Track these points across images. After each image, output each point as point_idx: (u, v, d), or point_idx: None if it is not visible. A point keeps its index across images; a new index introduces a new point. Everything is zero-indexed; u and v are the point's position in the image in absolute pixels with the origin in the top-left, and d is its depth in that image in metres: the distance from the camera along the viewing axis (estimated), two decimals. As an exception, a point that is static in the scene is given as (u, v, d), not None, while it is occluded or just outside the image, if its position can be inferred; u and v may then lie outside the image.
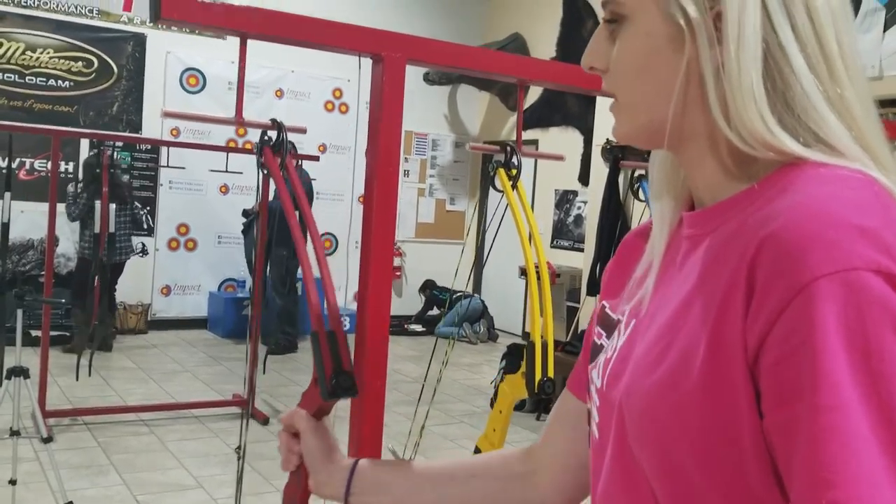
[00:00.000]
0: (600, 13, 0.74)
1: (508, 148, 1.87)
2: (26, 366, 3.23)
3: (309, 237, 1.48)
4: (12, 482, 3.10)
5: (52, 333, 5.32)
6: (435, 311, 9.09)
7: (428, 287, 9.22)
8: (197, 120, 1.49)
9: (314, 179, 7.53)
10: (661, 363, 0.65)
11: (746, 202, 0.65)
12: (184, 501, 3.83)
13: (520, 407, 5.65)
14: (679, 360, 0.63)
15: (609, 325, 0.81)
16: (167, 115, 1.62)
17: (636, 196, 2.07)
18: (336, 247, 8.96)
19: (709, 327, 0.61)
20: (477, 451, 2.03)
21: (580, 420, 0.88)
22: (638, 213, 5.42)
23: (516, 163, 1.86)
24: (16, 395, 3.06)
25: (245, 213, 7.64)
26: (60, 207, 6.49)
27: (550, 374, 1.81)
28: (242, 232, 7.77)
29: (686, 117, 0.68)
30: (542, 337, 1.82)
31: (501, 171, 1.86)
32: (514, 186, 1.85)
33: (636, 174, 2.10)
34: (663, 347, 0.66)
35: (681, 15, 0.66)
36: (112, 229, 6.28)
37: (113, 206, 6.10)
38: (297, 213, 1.53)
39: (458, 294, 9.01)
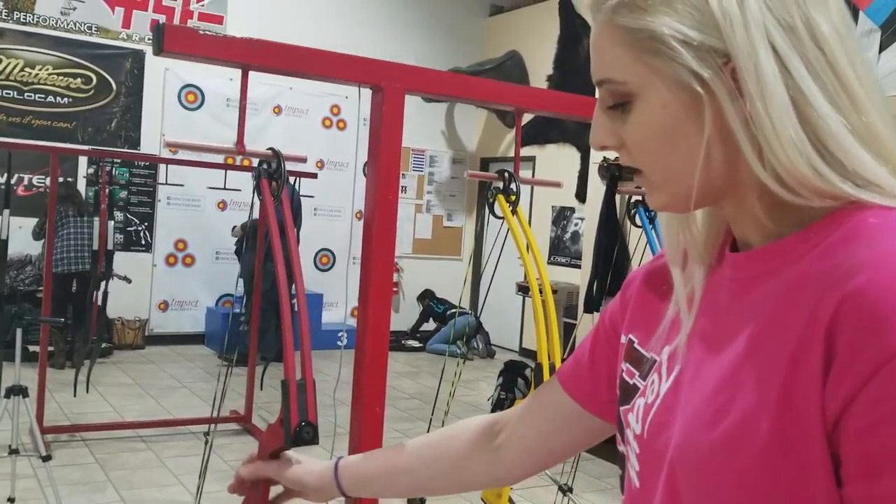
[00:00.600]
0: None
1: (507, 174, 1.90)
2: (25, 384, 3.24)
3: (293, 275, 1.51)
4: (10, 500, 3.10)
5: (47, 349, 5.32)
6: (431, 324, 9.10)
7: (426, 297, 9.22)
8: (199, 150, 1.51)
9: (311, 196, 7.56)
10: (721, 421, 0.62)
11: (803, 247, 0.63)
12: (181, 519, 3.83)
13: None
14: (743, 420, 0.61)
15: (641, 364, 0.78)
16: (169, 145, 1.62)
17: (633, 222, 2.09)
18: (334, 263, 8.99)
19: (777, 387, 0.59)
20: None
21: (559, 413, 0.91)
22: (636, 232, 5.46)
23: (515, 189, 1.89)
24: (14, 414, 3.07)
25: (233, 232, 7.70)
26: (59, 224, 6.54)
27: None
28: (236, 253, 7.80)
29: (722, 174, 0.66)
30: (548, 358, 1.84)
31: (501, 197, 1.89)
32: (513, 212, 1.87)
33: (632, 200, 2.13)
34: (722, 403, 0.63)
35: (695, 80, 0.64)
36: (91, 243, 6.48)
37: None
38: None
39: (454, 310, 9.03)
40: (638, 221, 2.11)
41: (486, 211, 1.95)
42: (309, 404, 1.39)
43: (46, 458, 3.13)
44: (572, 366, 0.92)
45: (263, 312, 7.37)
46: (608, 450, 3.65)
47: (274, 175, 1.63)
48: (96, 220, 6.86)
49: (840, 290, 0.57)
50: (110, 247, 5.04)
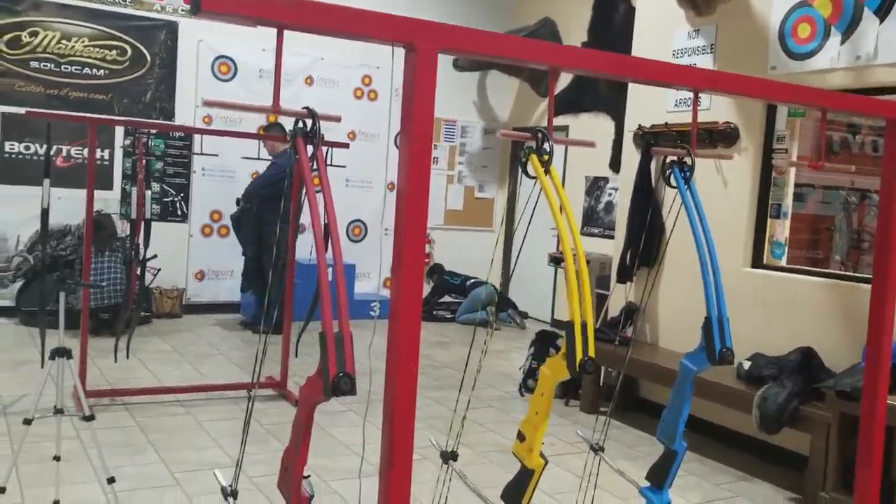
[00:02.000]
0: None
1: (539, 134, 1.89)
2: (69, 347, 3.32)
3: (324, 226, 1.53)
4: (56, 458, 3.19)
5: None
6: (446, 299, 9.12)
7: (435, 272, 9.21)
8: (235, 108, 1.54)
9: (343, 167, 7.58)
10: None
11: None
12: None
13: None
14: None
15: None
16: (207, 103, 1.66)
17: (668, 182, 2.08)
18: (365, 234, 9.03)
19: None
20: (520, 435, 2.06)
21: None
22: (667, 199, 5.41)
23: (548, 148, 1.88)
24: (59, 376, 3.15)
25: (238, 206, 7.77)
26: (99, 193, 6.63)
27: (591, 353, 1.83)
28: (234, 226, 7.86)
29: None
30: (581, 317, 1.84)
31: (534, 156, 1.88)
32: (546, 171, 1.87)
33: (668, 160, 2.11)
34: None
35: None
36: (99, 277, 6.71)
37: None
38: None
39: (473, 280, 9.06)
40: (673, 182, 2.09)
41: (519, 181, 1.95)
42: (346, 356, 1.41)
43: (90, 418, 3.21)
44: None
45: (263, 281, 7.50)
46: (640, 418, 3.69)
47: (310, 135, 1.65)
48: (119, 254, 7.05)
49: None
50: (148, 216, 5.12)
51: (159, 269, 7.20)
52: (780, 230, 5.18)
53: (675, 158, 2.08)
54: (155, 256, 5.15)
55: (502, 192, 9.93)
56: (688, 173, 2.06)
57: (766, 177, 5.10)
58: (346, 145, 5.71)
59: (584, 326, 1.87)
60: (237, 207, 7.70)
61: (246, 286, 7.85)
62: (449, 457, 2.21)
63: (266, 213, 7.35)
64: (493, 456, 4.58)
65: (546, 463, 2.06)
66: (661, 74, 1.91)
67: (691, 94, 2.07)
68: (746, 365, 4.61)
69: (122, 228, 7.39)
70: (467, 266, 9.31)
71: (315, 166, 1.72)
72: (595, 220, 8.34)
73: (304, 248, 7.25)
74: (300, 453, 1.54)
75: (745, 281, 4.94)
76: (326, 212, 1.60)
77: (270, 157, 7.51)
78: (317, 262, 1.53)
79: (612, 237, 6.72)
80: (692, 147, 2.06)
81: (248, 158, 7.74)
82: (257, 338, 7.32)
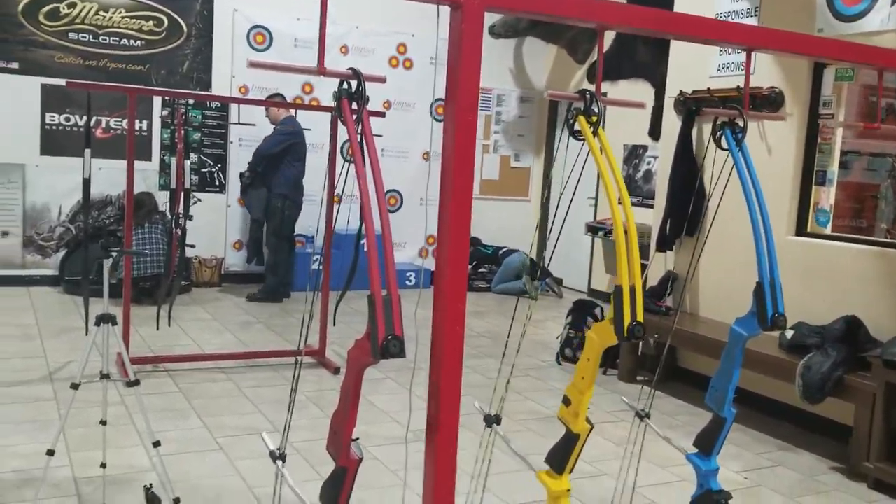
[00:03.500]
0: None
1: (588, 94, 1.85)
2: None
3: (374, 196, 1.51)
4: (103, 423, 3.25)
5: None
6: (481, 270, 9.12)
7: (470, 243, 9.23)
8: (280, 69, 1.52)
9: (380, 136, 7.57)
10: None
11: None
12: (261, 444, 3.96)
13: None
14: None
15: None
16: (252, 64, 1.64)
17: (718, 144, 2.02)
18: (401, 204, 9.02)
19: None
20: (566, 400, 2.05)
21: None
22: (709, 165, 5.32)
23: (596, 109, 1.84)
24: (104, 342, 3.19)
25: (243, 179, 7.80)
26: (139, 164, 6.70)
27: (640, 318, 1.81)
28: (242, 194, 7.92)
29: None
30: (629, 282, 1.81)
31: (582, 118, 1.85)
32: (594, 133, 1.83)
33: (719, 122, 2.06)
34: None
35: None
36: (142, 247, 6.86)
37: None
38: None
39: (505, 249, 9.03)
40: (724, 144, 2.04)
41: (555, 150, 1.92)
42: (395, 319, 1.40)
43: (135, 384, 3.26)
44: None
45: (275, 249, 7.57)
46: (679, 387, 3.66)
47: (355, 95, 1.63)
48: (158, 226, 7.15)
49: None
50: (187, 185, 5.15)
51: (193, 245, 7.29)
52: (825, 197, 5.07)
53: (726, 119, 2.02)
54: (191, 218, 5.18)
55: (538, 160, 9.85)
56: (740, 135, 2.01)
57: (811, 143, 4.99)
58: (381, 114, 5.67)
59: (632, 291, 1.84)
60: (241, 181, 7.78)
61: (251, 255, 7.99)
62: (493, 420, 2.20)
63: (272, 178, 7.44)
64: (532, 424, 4.58)
65: (592, 427, 2.05)
66: (713, 32, 1.86)
67: (734, 59, 2.01)
68: (789, 334, 4.55)
69: (163, 202, 7.50)
70: (504, 236, 9.28)
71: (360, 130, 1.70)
72: (633, 188, 8.24)
73: (341, 217, 7.27)
74: (349, 416, 1.55)
75: (789, 249, 4.85)
76: (373, 173, 1.58)
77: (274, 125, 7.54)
78: (364, 228, 1.51)
79: (651, 206, 6.63)
80: (744, 108, 2.01)
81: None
82: (295, 307, 7.38)
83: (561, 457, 2.07)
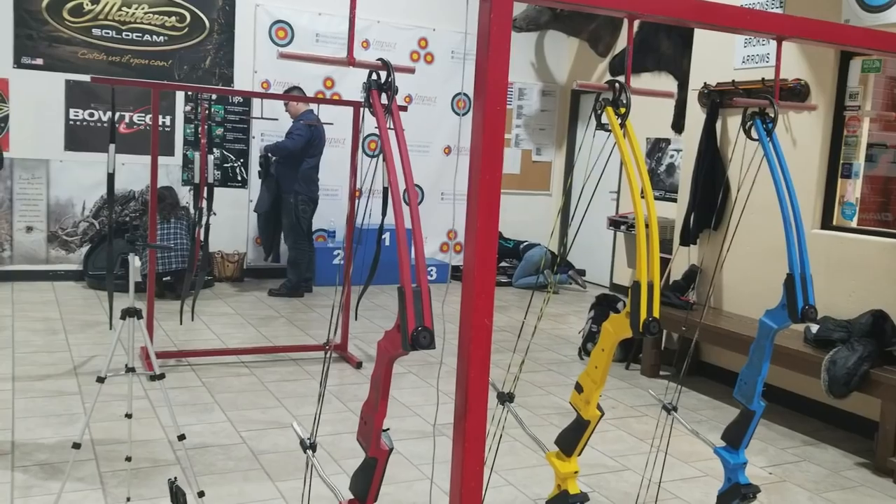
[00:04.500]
0: None
1: (617, 85, 1.83)
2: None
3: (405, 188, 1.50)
4: (128, 416, 3.28)
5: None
6: (503, 264, 9.10)
7: None
8: (310, 60, 1.52)
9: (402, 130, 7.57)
10: None
11: None
12: (285, 438, 3.99)
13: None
14: None
15: None
16: (283, 55, 1.64)
17: (748, 135, 2.00)
18: (422, 199, 9.02)
19: None
20: (578, 387, 2.04)
21: None
22: (735, 158, 5.27)
23: (625, 101, 1.83)
24: (129, 335, 3.21)
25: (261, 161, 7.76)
26: (162, 159, 6.76)
27: (656, 313, 1.79)
28: (260, 176, 7.82)
29: None
30: (647, 277, 1.80)
31: (609, 109, 1.83)
32: (622, 125, 1.82)
33: (749, 112, 2.03)
34: None
35: None
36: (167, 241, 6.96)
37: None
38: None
39: (526, 243, 9.01)
40: (754, 134, 2.01)
41: (577, 144, 1.91)
42: (425, 310, 1.40)
43: (160, 377, 3.28)
44: None
45: (294, 246, 7.57)
46: (702, 382, 3.64)
47: (384, 86, 1.62)
48: (182, 222, 7.20)
49: None
50: (211, 180, 5.17)
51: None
52: (852, 190, 5.01)
53: (756, 110, 2.00)
54: (215, 213, 5.20)
55: (560, 154, 9.81)
56: (770, 125, 1.98)
57: (837, 135, 4.93)
58: (403, 108, 5.67)
59: (650, 286, 1.83)
60: (262, 164, 7.69)
61: (266, 251, 7.98)
62: (505, 398, 2.20)
63: (284, 173, 7.42)
64: (554, 418, 4.56)
65: (602, 415, 2.05)
66: (743, 21, 1.83)
67: (759, 51, 1.99)
68: (815, 328, 4.50)
69: (186, 197, 7.53)
70: (525, 230, 9.25)
71: (390, 124, 1.70)
72: (656, 182, 8.19)
73: (363, 212, 7.28)
74: (379, 406, 1.54)
75: (815, 243, 4.79)
76: (402, 164, 1.58)
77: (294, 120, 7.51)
78: (394, 219, 1.51)
79: (674, 200, 6.59)
80: (775, 97, 1.98)
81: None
82: (317, 301, 7.40)
83: (571, 440, 2.07)
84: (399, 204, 1.49)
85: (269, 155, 7.56)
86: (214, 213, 5.20)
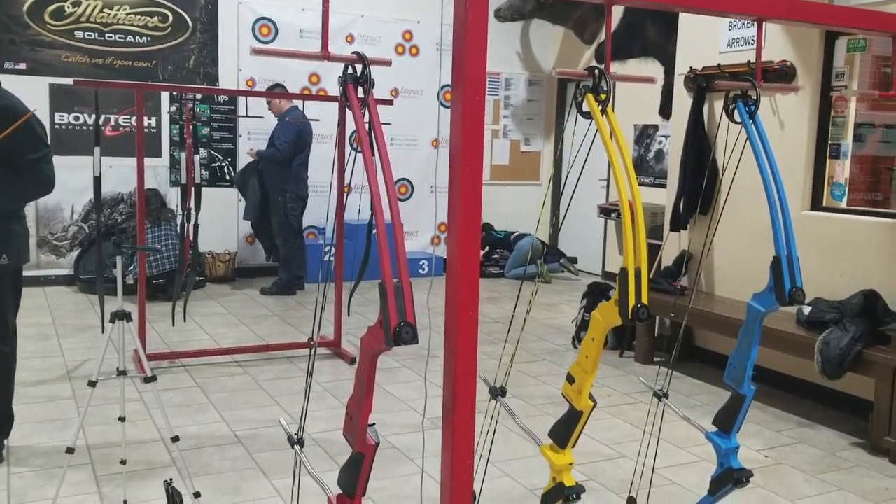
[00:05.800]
0: None
1: (597, 71, 1.82)
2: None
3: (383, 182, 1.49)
4: (121, 419, 3.26)
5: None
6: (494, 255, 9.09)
7: (482, 229, 9.16)
8: (283, 55, 1.51)
9: (389, 124, 7.54)
10: None
11: None
12: (280, 436, 3.98)
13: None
14: None
15: None
16: (256, 51, 1.63)
17: (731, 118, 1.99)
18: (412, 192, 9.00)
19: None
20: (570, 378, 2.04)
21: None
22: (721, 142, 5.26)
23: (605, 87, 1.82)
24: (120, 338, 3.20)
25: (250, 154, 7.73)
26: (149, 161, 6.72)
27: (644, 300, 1.78)
28: (239, 186, 7.83)
29: None
30: (635, 264, 1.79)
31: (590, 96, 1.82)
32: (603, 112, 1.80)
33: (731, 94, 2.02)
34: None
35: None
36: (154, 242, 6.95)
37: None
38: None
39: (516, 233, 9.00)
40: (737, 117, 2.00)
41: (564, 133, 1.90)
42: (407, 305, 1.39)
43: (152, 379, 3.26)
44: None
45: (285, 244, 7.55)
46: (696, 367, 3.64)
47: (360, 80, 1.61)
48: (172, 224, 7.18)
49: None
50: (198, 180, 5.14)
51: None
52: (840, 171, 5.01)
53: (738, 92, 1.99)
54: (195, 212, 5.17)
55: (548, 144, 9.80)
56: (753, 108, 1.97)
57: (824, 116, 4.93)
58: (389, 102, 5.65)
59: (637, 273, 1.82)
60: (237, 180, 7.69)
61: (267, 253, 7.97)
62: (497, 393, 2.20)
63: (269, 173, 7.38)
64: (548, 408, 4.56)
65: (595, 405, 2.04)
66: (724, 3, 1.82)
67: (744, 34, 1.97)
68: (807, 310, 4.50)
69: (175, 199, 7.50)
70: (516, 221, 9.25)
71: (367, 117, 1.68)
72: (645, 168, 8.19)
73: (352, 207, 7.28)
74: (364, 402, 1.54)
75: (804, 224, 4.80)
76: (381, 160, 1.56)
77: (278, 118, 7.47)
78: (373, 214, 1.49)
79: (663, 186, 6.59)
80: (757, 79, 1.97)
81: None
82: (310, 299, 7.39)
83: (564, 432, 2.07)
84: (378, 199, 1.47)
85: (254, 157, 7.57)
86: (194, 212, 5.13)
